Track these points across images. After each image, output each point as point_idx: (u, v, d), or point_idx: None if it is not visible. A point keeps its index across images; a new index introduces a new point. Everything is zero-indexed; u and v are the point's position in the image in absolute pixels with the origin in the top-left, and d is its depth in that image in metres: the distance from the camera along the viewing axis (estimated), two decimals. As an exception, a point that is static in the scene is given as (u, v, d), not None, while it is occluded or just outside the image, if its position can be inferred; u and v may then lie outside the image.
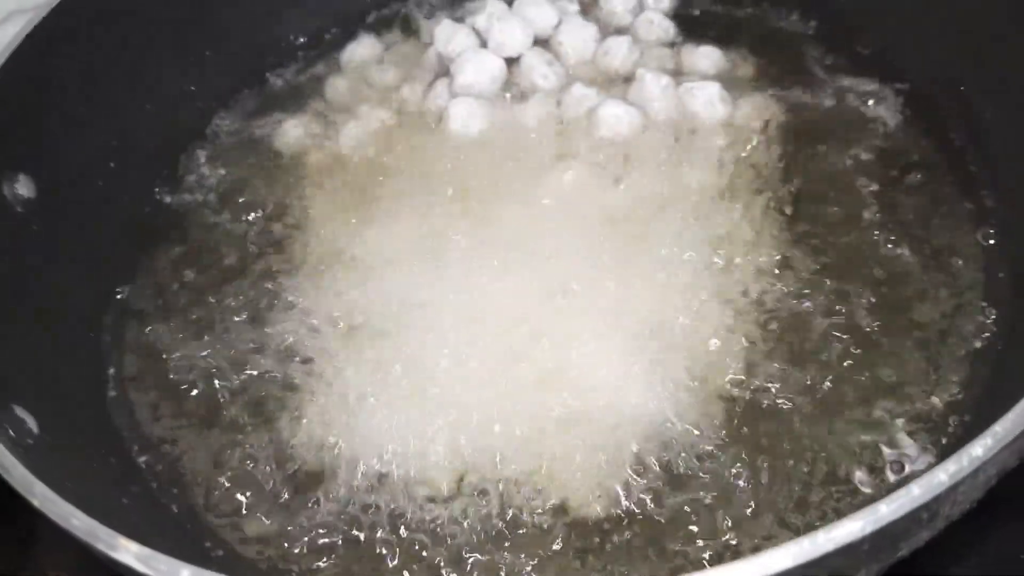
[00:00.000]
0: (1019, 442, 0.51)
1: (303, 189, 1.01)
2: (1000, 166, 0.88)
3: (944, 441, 0.73)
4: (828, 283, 0.84)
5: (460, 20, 1.13)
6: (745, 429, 0.76)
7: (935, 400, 0.75)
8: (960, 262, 0.84)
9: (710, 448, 0.75)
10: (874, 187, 0.91)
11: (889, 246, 0.86)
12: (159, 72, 1.05)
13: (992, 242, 0.85)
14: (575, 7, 1.13)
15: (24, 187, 0.87)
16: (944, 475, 0.49)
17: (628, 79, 1.04)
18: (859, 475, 0.72)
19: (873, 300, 0.82)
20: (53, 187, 0.90)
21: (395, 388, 0.81)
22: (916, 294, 0.83)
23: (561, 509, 0.73)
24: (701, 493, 0.73)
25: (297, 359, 0.86)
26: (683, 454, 0.75)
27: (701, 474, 0.74)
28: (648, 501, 0.73)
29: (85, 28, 0.96)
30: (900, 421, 0.74)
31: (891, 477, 0.72)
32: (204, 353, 0.88)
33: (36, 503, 0.59)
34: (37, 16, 0.91)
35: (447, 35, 1.09)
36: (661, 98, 1.00)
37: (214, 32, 1.11)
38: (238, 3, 1.12)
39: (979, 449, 0.50)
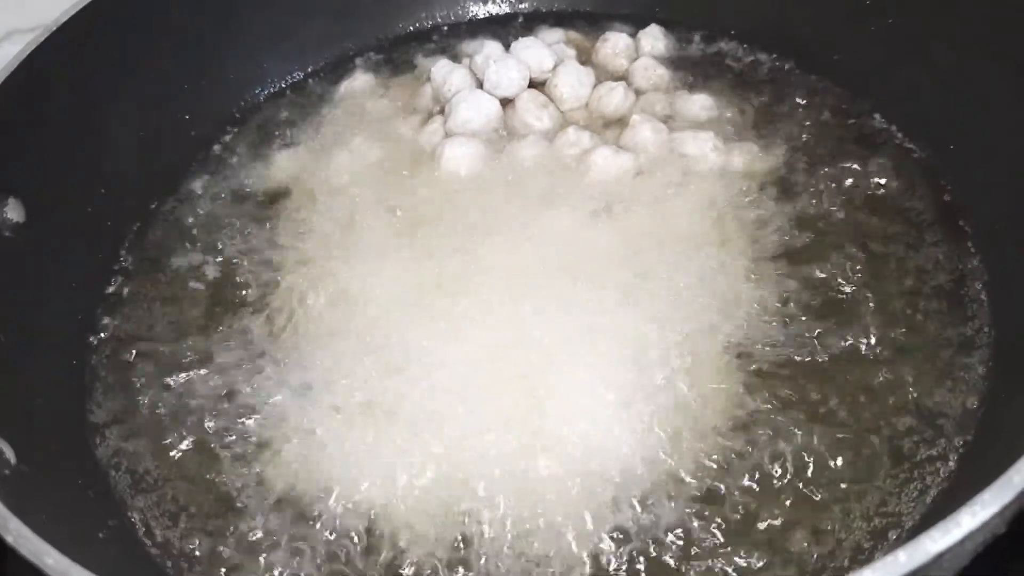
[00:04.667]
0: (1007, 510, 0.51)
1: (292, 221, 1.01)
2: (990, 223, 0.89)
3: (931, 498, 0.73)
4: (818, 332, 0.84)
5: (457, 60, 1.14)
6: (731, 480, 0.76)
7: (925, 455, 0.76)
8: (950, 320, 0.85)
9: (693, 505, 0.74)
10: (866, 240, 0.91)
11: (881, 299, 0.86)
12: (153, 100, 1.06)
13: (983, 300, 0.86)
14: (572, 52, 1.15)
15: (14, 211, 0.87)
16: (931, 543, 0.49)
17: (622, 124, 1.05)
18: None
19: (864, 353, 0.83)
20: (42, 212, 0.89)
21: (373, 430, 0.80)
22: (907, 348, 0.83)
23: (544, 555, 0.73)
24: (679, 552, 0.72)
25: (278, 401, 0.84)
26: (668, 505, 0.74)
27: (680, 530, 0.73)
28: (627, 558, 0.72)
29: (81, 55, 0.96)
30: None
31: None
32: (186, 389, 0.87)
33: (10, 540, 0.58)
34: (34, 39, 0.91)
35: (444, 74, 1.10)
36: (654, 144, 1.01)
37: (210, 62, 1.12)
38: (235, 35, 1.13)
39: (967, 517, 0.50)
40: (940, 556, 0.49)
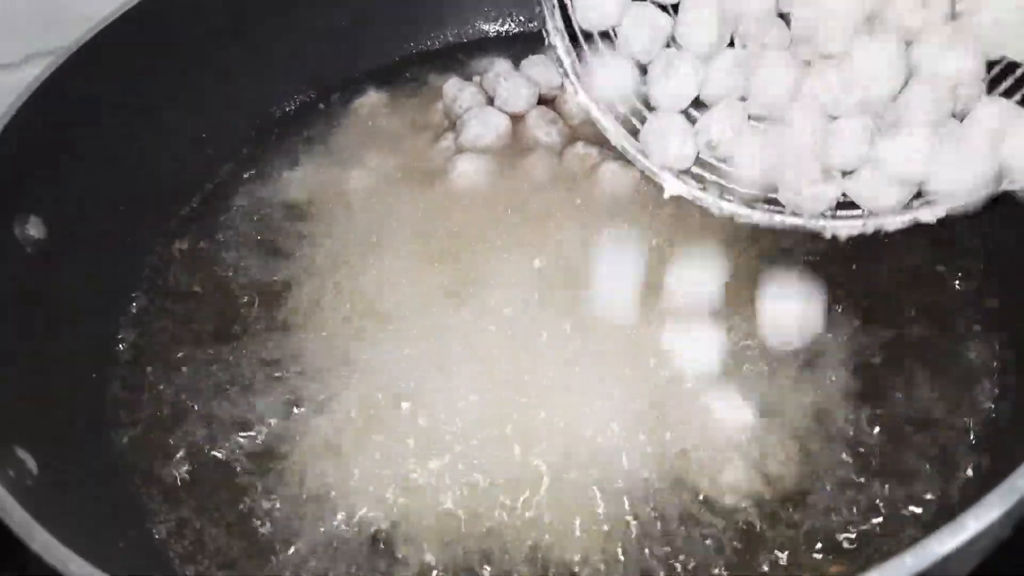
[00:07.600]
0: (1012, 514, 0.52)
1: (307, 237, 1.02)
2: (1003, 244, 0.90)
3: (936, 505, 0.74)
4: (827, 345, 0.85)
5: (467, 78, 1.16)
6: (742, 491, 0.76)
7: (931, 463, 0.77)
8: (959, 333, 0.85)
9: (704, 519, 0.75)
10: (879, 260, 0.92)
11: (891, 313, 0.87)
12: (169, 119, 1.07)
13: (993, 317, 0.86)
14: (580, 68, 1.16)
15: (35, 228, 0.89)
16: (937, 545, 0.50)
17: (631, 139, 1.06)
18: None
19: (875, 367, 0.83)
20: (63, 229, 0.91)
21: (388, 443, 0.81)
22: (916, 360, 0.84)
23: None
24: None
25: (298, 414, 0.85)
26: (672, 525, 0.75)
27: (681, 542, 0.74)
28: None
29: (98, 77, 0.97)
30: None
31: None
32: (206, 402, 0.88)
33: (35, 547, 0.60)
34: (55, 60, 0.93)
35: (455, 91, 1.12)
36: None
37: (225, 82, 1.13)
38: (249, 56, 1.14)
39: (971, 520, 0.51)
40: (946, 559, 0.49)
